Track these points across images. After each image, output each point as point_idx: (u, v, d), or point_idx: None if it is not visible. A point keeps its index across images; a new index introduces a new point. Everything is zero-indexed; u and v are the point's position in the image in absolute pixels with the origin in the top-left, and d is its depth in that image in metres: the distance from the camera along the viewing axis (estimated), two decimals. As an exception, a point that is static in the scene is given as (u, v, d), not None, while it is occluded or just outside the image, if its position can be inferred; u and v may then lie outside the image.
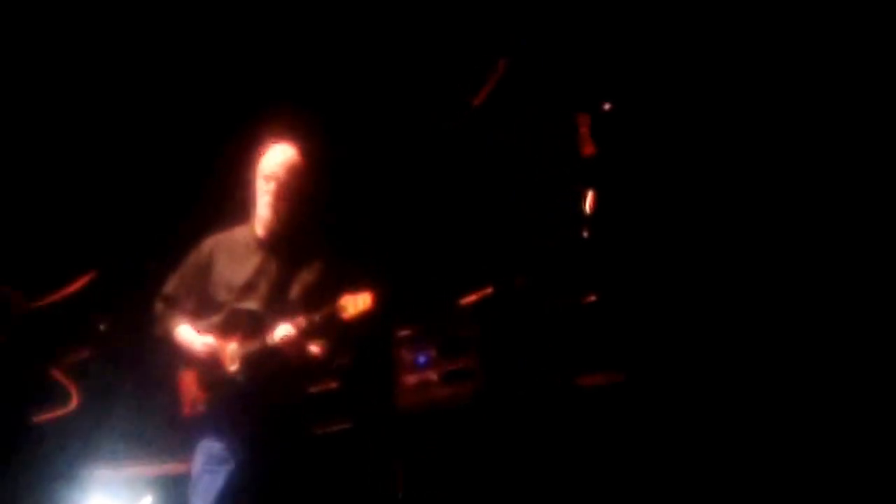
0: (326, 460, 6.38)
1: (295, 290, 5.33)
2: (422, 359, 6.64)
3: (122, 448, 6.44)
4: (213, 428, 5.35)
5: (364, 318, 5.12)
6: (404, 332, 6.71)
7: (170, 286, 5.50)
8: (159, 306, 5.52)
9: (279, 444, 5.32)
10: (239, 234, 5.50)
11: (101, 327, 6.71)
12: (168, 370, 5.50)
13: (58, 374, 6.70)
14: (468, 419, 6.45)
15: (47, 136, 6.84)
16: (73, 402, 6.68)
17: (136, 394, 6.71)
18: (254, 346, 5.26)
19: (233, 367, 5.25)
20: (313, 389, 6.18)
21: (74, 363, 6.70)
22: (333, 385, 6.57)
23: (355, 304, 5.09)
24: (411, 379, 6.65)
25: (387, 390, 6.64)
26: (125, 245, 6.76)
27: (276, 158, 5.43)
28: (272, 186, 5.35)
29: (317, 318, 5.19)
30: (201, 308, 5.43)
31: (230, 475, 5.27)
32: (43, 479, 6.53)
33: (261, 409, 5.32)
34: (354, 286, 5.30)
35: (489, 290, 6.58)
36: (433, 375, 6.61)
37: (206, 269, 5.44)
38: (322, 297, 5.27)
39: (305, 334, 5.23)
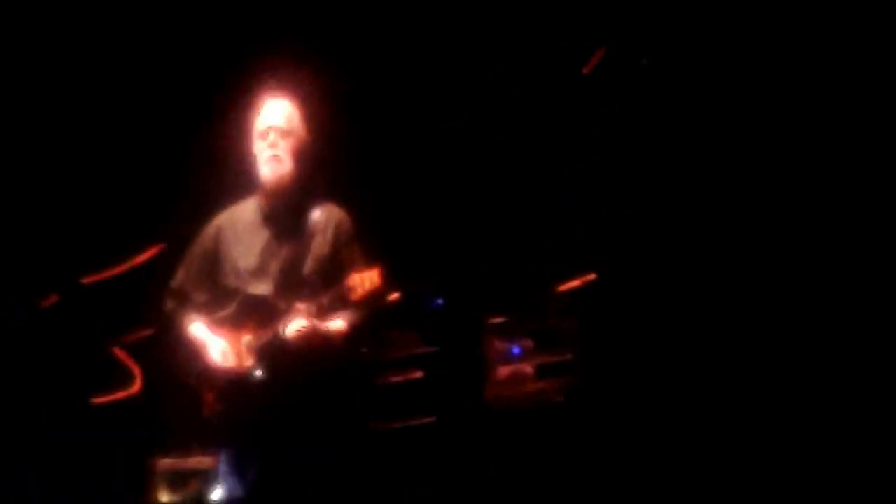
0: (405, 457, 6.23)
1: (309, 265, 4.94)
2: (516, 349, 6.42)
3: (189, 436, 6.07)
4: (232, 431, 5.00)
5: (374, 297, 4.75)
6: (497, 320, 6.49)
7: (177, 280, 5.12)
8: (168, 304, 5.14)
9: (308, 445, 4.92)
10: (243, 209, 5.11)
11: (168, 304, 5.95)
12: (186, 370, 5.09)
13: (120, 354, 6.48)
14: (561, 418, 6.29)
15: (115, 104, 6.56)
16: (136, 385, 6.47)
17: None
18: (267, 337, 4.89)
19: (248, 363, 4.87)
20: (395, 379, 6.16)
21: (138, 343, 6.41)
22: (418, 375, 6.39)
23: (363, 283, 4.72)
24: (503, 371, 6.43)
25: (476, 382, 6.42)
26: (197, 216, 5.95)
27: (280, 110, 5.07)
28: (271, 138, 4.97)
29: (325, 301, 4.82)
30: (214, 299, 5.04)
31: (252, 485, 4.94)
32: (101, 467, 6.31)
33: (284, 408, 4.92)
34: (366, 254, 4.99)
35: (591, 277, 6.42)
36: (528, 368, 6.42)
37: (213, 255, 5.06)
38: (339, 268, 4.93)
39: (318, 322, 4.86)
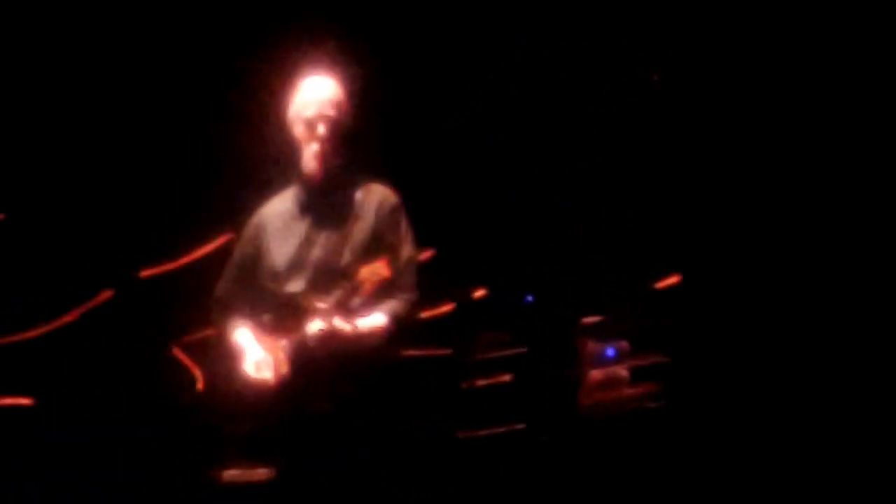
0: (492, 466, 6.02)
1: (346, 256, 4.71)
2: (610, 351, 6.21)
3: (256, 446, 5.40)
4: (268, 446, 4.83)
5: (381, 288, 4.54)
6: (590, 320, 6.27)
7: (219, 287, 4.96)
8: (215, 313, 4.99)
9: (347, 453, 4.67)
10: (282, 201, 4.91)
11: None
12: (229, 381, 4.93)
13: (180, 354, 6.27)
14: (660, 425, 6.09)
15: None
16: (198, 388, 6.24)
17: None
18: (296, 342, 4.68)
19: (284, 371, 4.68)
20: (481, 383, 6.04)
21: (200, 341, 6.12)
22: (506, 378, 6.18)
23: (371, 276, 4.52)
24: (597, 374, 6.22)
25: (568, 387, 6.22)
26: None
27: (319, 92, 4.81)
28: (321, 131, 4.72)
29: (340, 297, 4.61)
30: (257, 302, 4.86)
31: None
32: (157, 479, 6.03)
33: (321, 419, 4.68)
34: (415, 237, 4.78)
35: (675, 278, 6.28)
36: (623, 371, 6.20)
37: (254, 255, 4.88)
38: (384, 254, 4.66)
39: (341, 322, 4.61)
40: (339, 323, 4.54)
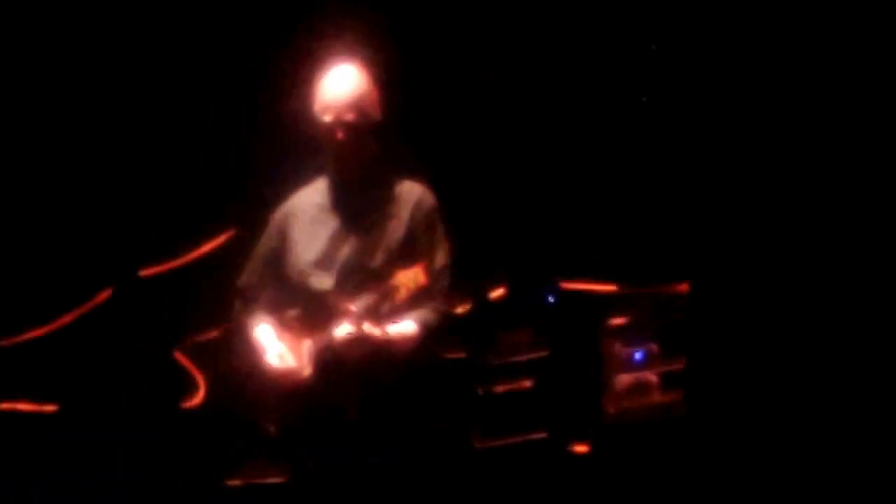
0: (512, 477, 5.85)
1: (379, 255, 4.65)
2: (638, 355, 6.04)
3: (260, 456, 5.70)
4: (290, 451, 4.78)
5: (417, 296, 4.47)
6: (618, 321, 6.10)
7: (243, 277, 4.89)
8: (237, 304, 4.91)
9: (375, 463, 4.61)
10: (312, 192, 4.83)
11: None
12: (248, 379, 4.87)
13: (181, 359, 6.18)
14: (689, 433, 5.94)
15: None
16: (200, 393, 6.15)
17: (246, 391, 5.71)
18: (321, 344, 4.61)
19: (306, 373, 4.62)
20: (500, 388, 5.91)
21: (202, 346, 6.13)
22: (526, 383, 6.01)
23: (407, 283, 4.44)
24: (625, 379, 6.06)
25: (594, 392, 6.05)
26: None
27: (337, 94, 4.67)
28: (340, 136, 4.63)
29: (372, 302, 4.55)
30: (282, 297, 4.78)
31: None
32: (158, 484, 5.97)
33: (345, 426, 4.62)
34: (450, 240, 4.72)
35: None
36: (652, 377, 6.02)
37: (280, 246, 4.80)
38: (417, 257, 4.61)
39: (370, 326, 4.53)
40: (370, 328, 4.48)
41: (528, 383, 6.05)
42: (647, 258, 6.15)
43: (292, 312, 4.71)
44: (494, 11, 6.13)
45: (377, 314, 4.51)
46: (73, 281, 6.18)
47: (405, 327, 4.56)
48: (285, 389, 4.62)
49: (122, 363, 6.12)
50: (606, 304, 6.12)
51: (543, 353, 6.04)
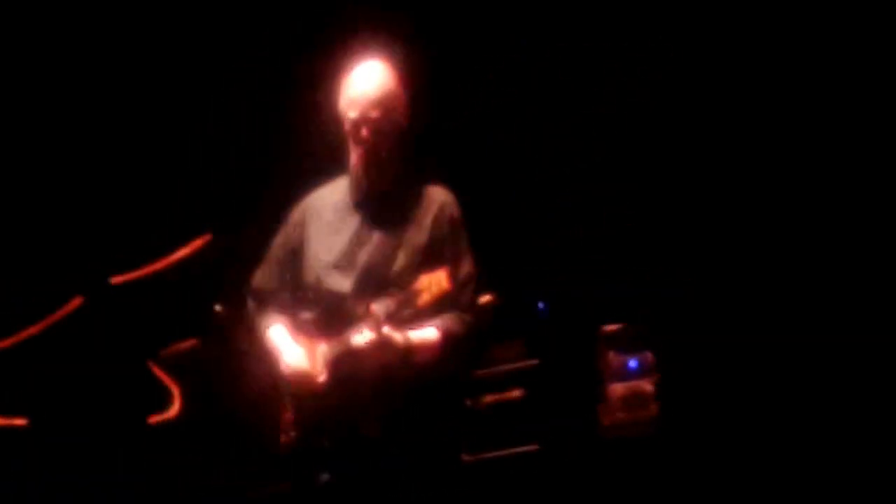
0: (503, 493, 5.80)
1: (400, 260, 4.56)
2: (633, 363, 5.96)
3: (239, 476, 5.78)
4: (307, 462, 4.63)
5: (440, 301, 4.37)
6: (612, 329, 6.02)
7: (257, 277, 4.81)
8: (250, 304, 4.84)
9: (390, 478, 4.49)
10: (334, 192, 4.76)
11: (217, 309, 5.96)
12: (261, 383, 4.85)
13: (156, 370, 6.16)
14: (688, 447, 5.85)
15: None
16: (175, 406, 6.14)
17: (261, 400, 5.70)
18: (339, 347, 4.52)
19: (321, 379, 4.54)
20: (490, 399, 5.83)
21: (178, 356, 6.15)
22: (516, 394, 5.93)
23: (430, 287, 4.35)
24: (619, 389, 5.97)
25: (587, 403, 6.00)
26: (249, 202, 6.09)
27: (364, 90, 4.61)
28: (364, 134, 4.57)
29: (393, 305, 4.46)
30: (298, 297, 4.71)
31: None
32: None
33: (360, 436, 4.53)
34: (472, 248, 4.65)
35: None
36: (648, 387, 5.93)
37: (297, 246, 4.73)
38: (439, 263, 4.52)
39: (391, 332, 4.43)
40: (390, 332, 4.39)
41: (517, 394, 5.97)
42: (647, 258, 6.14)
43: (307, 315, 4.64)
44: (493, 12, 6.13)
45: (398, 319, 4.43)
46: (42, 289, 6.18)
47: (428, 334, 4.47)
48: (301, 394, 4.57)
49: (94, 375, 6.11)
50: (599, 311, 6.05)
51: (533, 363, 5.96)
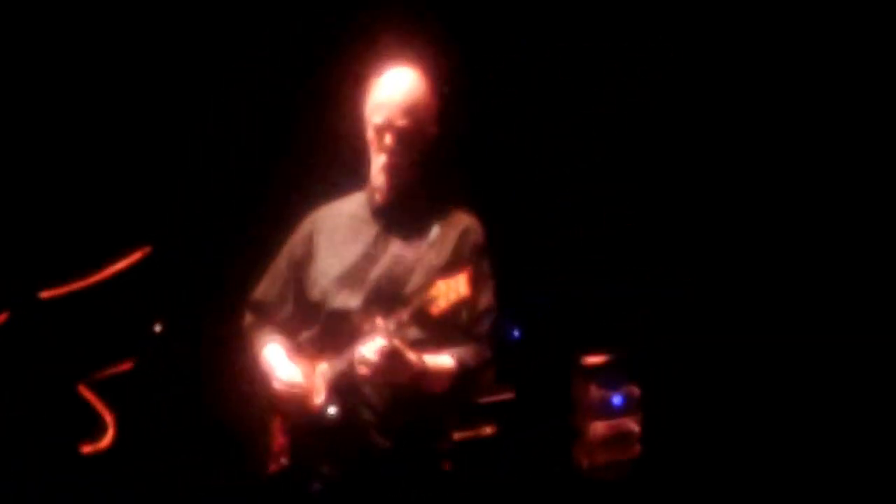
0: None
1: (415, 281, 4.48)
2: (617, 399, 5.91)
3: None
4: (299, 490, 4.57)
5: (457, 309, 4.31)
6: (593, 360, 5.96)
7: (259, 289, 4.76)
8: (248, 318, 4.81)
9: None
10: (349, 205, 4.72)
11: (156, 328, 6.00)
12: (259, 409, 4.76)
13: (87, 394, 5.88)
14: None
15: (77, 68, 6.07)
16: (108, 436, 5.86)
17: (205, 427, 5.99)
18: (342, 366, 4.44)
19: (318, 400, 4.47)
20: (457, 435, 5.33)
21: (112, 379, 5.90)
22: (487, 432, 5.75)
23: (447, 293, 4.28)
24: (601, 428, 5.91)
25: (565, 442, 5.96)
26: (197, 209, 6.04)
27: (391, 96, 4.57)
28: (388, 142, 4.51)
29: (405, 316, 4.36)
30: (299, 316, 4.68)
31: None
32: None
33: (362, 462, 4.47)
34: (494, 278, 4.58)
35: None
36: (633, 425, 5.92)
37: (303, 259, 4.69)
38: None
39: (400, 346, 4.35)
40: (402, 347, 4.33)
41: (489, 430, 5.76)
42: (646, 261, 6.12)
43: (307, 334, 4.59)
44: (493, 11, 6.07)
45: (409, 341, 4.37)
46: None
47: (443, 361, 4.40)
48: (293, 417, 4.55)
49: (19, 398, 5.83)
50: (581, 339, 6.01)
51: (507, 396, 5.75)
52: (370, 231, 4.62)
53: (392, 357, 4.26)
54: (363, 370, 4.33)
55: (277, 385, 4.56)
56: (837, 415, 5.79)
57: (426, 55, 4.77)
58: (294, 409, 4.56)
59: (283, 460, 4.62)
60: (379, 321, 4.33)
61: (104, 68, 6.02)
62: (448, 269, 4.47)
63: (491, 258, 4.56)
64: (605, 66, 5.97)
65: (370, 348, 4.30)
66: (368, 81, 4.62)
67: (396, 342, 4.29)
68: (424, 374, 4.35)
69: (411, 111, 4.51)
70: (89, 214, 5.93)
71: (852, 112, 5.77)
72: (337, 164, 5.22)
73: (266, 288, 4.75)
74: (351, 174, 4.79)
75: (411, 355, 4.32)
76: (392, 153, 4.51)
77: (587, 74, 5.98)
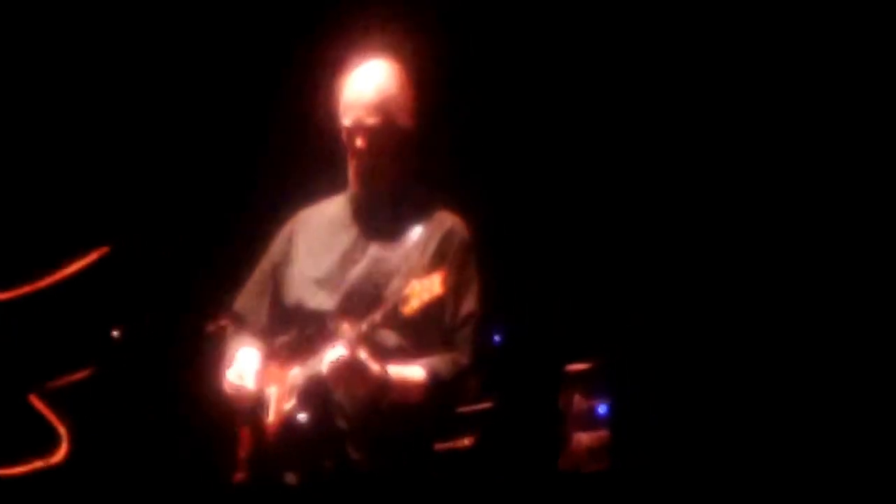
0: None
1: (396, 283, 4.35)
2: (602, 409, 5.77)
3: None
4: (265, 500, 4.42)
5: (431, 309, 4.16)
6: (578, 368, 5.83)
7: (240, 300, 4.67)
8: (229, 329, 4.69)
9: None
10: (330, 206, 4.61)
11: (113, 334, 5.91)
12: (227, 415, 4.59)
13: (40, 406, 5.85)
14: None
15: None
16: (62, 450, 5.81)
17: (162, 439, 5.92)
18: (311, 371, 4.31)
19: (287, 406, 4.33)
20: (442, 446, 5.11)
21: (66, 389, 5.86)
22: (465, 443, 5.61)
23: (421, 292, 4.13)
24: (585, 439, 5.75)
25: (549, 453, 5.79)
26: (157, 208, 6.02)
27: (360, 94, 4.43)
28: (359, 144, 4.38)
29: (377, 318, 4.21)
30: (279, 318, 4.54)
31: None
32: None
33: (334, 473, 4.30)
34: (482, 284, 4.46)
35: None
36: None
37: (282, 261, 4.58)
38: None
39: (362, 357, 4.21)
40: (366, 358, 4.20)
41: (468, 441, 5.61)
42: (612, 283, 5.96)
43: (284, 337, 4.46)
44: (491, 11, 6.03)
45: (375, 344, 4.24)
46: None
47: (411, 373, 4.26)
48: (246, 420, 4.41)
49: None
50: (564, 347, 5.86)
51: (487, 405, 5.57)
52: (350, 233, 4.50)
53: (350, 368, 4.15)
54: (327, 376, 4.23)
55: (225, 385, 4.45)
56: (819, 418, 5.68)
57: (405, 43, 4.68)
58: (244, 412, 4.44)
59: (250, 469, 4.43)
60: (344, 328, 4.22)
61: (60, 62, 6.05)
62: (430, 271, 4.31)
63: (478, 260, 4.42)
64: (599, 66, 5.95)
65: (331, 356, 4.18)
66: (340, 80, 4.49)
67: (360, 352, 4.18)
68: (387, 386, 4.21)
69: (381, 107, 4.38)
70: (43, 213, 5.93)
71: (837, 116, 5.71)
72: (311, 166, 5.15)
73: (247, 298, 4.64)
74: (330, 175, 4.62)
75: (373, 367, 4.19)
76: (365, 155, 4.39)
77: (581, 73, 5.96)
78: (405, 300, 4.12)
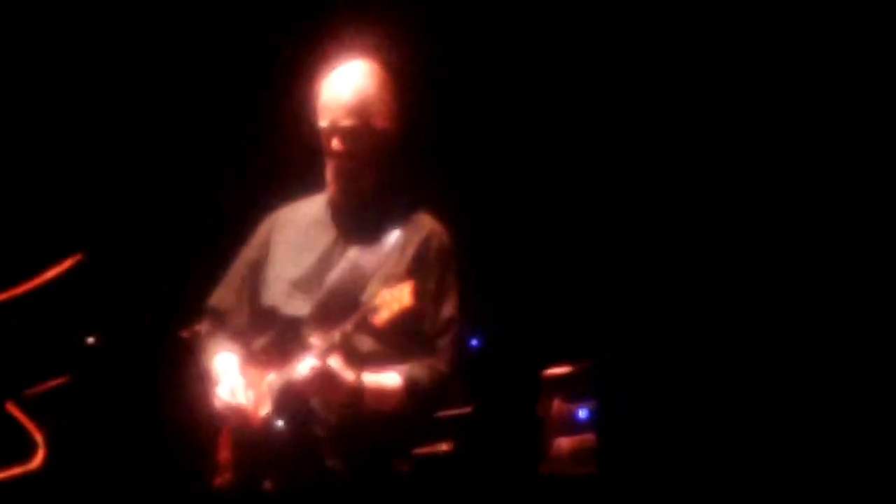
0: None
1: (372, 288, 4.38)
2: (583, 413, 5.71)
3: None
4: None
5: (399, 319, 4.23)
6: (557, 371, 5.75)
7: (216, 295, 4.67)
8: (204, 326, 4.70)
9: None
10: (309, 206, 4.64)
11: (88, 340, 5.72)
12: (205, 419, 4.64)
13: (15, 412, 5.66)
14: None
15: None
16: (39, 456, 5.62)
17: (140, 445, 5.88)
18: (287, 377, 4.37)
19: (264, 412, 4.38)
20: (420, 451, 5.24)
21: (42, 395, 5.65)
22: (443, 448, 5.53)
23: (390, 303, 4.21)
24: (565, 444, 5.70)
25: (528, 459, 5.73)
26: (132, 213, 5.97)
27: (335, 95, 4.46)
28: (336, 146, 4.41)
29: (349, 328, 4.27)
30: (255, 320, 4.57)
31: None
32: None
33: (312, 480, 4.37)
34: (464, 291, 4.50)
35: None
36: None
37: (259, 262, 4.61)
38: (417, 301, 4.38)
39: (335, 366, 4.28)
40: (337, 365, 4.24)
41: (446, 447, 5.53)
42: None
43: (261, 341, 4.50)
44: (491, 12, 6.00)
45: (350, 351, 4.28)
46: None
47: (387, 380, 4.29)
48: (233, 430, 4.44)
49: None
50: (544, 349, 5.83)
51: (465, 410, 5.54)
52: (328, 235, 4.52)
53: (322, 377, 4.18)
54: (298, 388, 4.25)
55: (217, 402, 4.43)
56: (808, 416, 5.67)
57: (384, 45, 4.69)
58: (237, 425, 4.42)
59: (229, 474, 4.46)
60: (314, 339, 4.26)
61: (32, 64, 6.01)
62: (408, 276, 4.35)
63: (458, 266, 4.46)
64: (579, 69, 5.93)
65: (304, 365, 4.21)
66: (318, 81, 4.50)
67: (334, 359, 4.20)
68: (361, 394, 4.24)
69: (357, 109, 4.38)
70: (16, 219, 5.90)
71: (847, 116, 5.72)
72: (292, 171, 5.12)
73: (222, 293, 4.65)
74: (312, 178, 4.65)
75: (347, 375, 4.22)
76: (342, 157, 4.39)
77: (562, 76, 5.94)
78: (375, 310, 4.16)
